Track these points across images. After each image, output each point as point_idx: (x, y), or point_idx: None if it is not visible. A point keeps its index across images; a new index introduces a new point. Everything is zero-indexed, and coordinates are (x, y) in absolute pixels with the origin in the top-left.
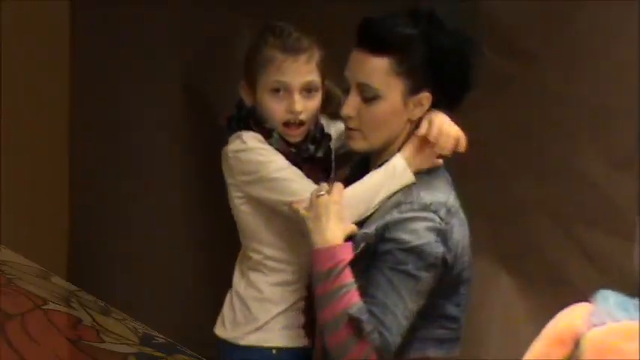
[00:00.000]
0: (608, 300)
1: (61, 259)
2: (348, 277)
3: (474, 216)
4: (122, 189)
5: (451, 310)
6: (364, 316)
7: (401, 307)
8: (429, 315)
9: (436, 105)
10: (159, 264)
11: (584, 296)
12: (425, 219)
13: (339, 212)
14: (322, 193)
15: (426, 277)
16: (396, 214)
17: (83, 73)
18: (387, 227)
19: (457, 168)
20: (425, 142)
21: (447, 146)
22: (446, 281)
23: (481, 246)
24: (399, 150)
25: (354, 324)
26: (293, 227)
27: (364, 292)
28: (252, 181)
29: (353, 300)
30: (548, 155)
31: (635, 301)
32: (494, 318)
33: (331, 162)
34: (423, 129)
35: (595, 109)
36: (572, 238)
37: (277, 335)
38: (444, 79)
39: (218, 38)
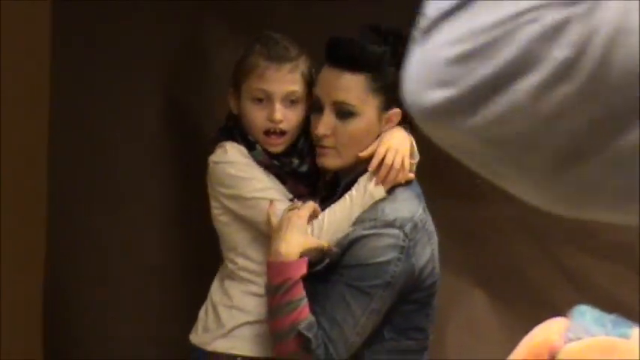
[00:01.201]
0: (585, 315)
1: (38, 274)
2: (298, 294)
3: (450, 234)
4: (99, 202)
5: (420, 321)
6: (312, 333)
7: (350, 322)
8: (399, 327)
9: (400, 122)
10: (135, 278)
11: (560, 313)
12: (388, 235)
13: (302, 226)
14: (293, 207)
15: (382, 295)
16: (359, 231)
17: (61, 85)
18: (350, 244)
19: (433, 185)
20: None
21: (395, 179)
22: (417, 294)
23: (456, 264)
24: (368, 164)
25: (302, 339)
26: (265, 241)
27: (319, 304)
28: (231, 195)
29: (302, 316)
30: None
31: (612, 316)
32: (468, 336)
33: (317, 178)
34: (372, 166)
35: None
36: (548, 255)
37: (243, 343)
38: None
39: (198, 49)
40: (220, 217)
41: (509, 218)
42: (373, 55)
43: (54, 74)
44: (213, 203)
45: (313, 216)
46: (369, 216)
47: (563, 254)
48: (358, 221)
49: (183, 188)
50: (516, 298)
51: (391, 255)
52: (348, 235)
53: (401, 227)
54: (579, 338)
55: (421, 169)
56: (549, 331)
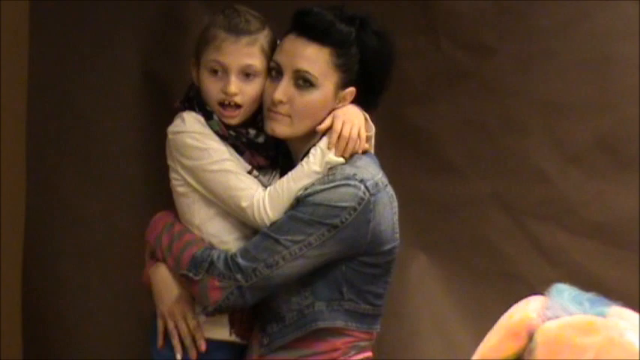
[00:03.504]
0: (563, 294)
1: (16, 257)
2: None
3: (425, 209)
4: (79, 182)
5: (380, 287)
6: (194, 269)
7: (281, 244)
8: (359, 289)
9: (356, 101)
10: (113, 250)
11: (535, 289)
12: (347, 186)
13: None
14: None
15: (324, 234)
16: (317, 186)
17: (39, 63)
18: (307, 196)
19: (410, 160)
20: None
21: (353, 150)
22: (378, 258)
23: (431, 239)
24: (320, 138)
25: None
26: (224, 216)
27: None
28: (189, 167)
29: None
30: (502, 149)
31: (589, 295)
32: (440, 308)
33: (276, 149)
34: (332, 141)
35: (549, 105)
36: (524, 232)
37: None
38: (369, 79)
39: (176, 21)
40: (179, 189)
41: (486, 195)
42: (341, 32)
43: (32, 46)
44: (172, 175)
45: None
46: (326, 174)
47: (539, 231)
48: (316, 180)
49: (160, 160)
50: (491, 274)
51: (348, 203)
52: (306, 189)
53: (362, 181)
54: (557, 317)
55: (399, 145)
56: (527, 309)
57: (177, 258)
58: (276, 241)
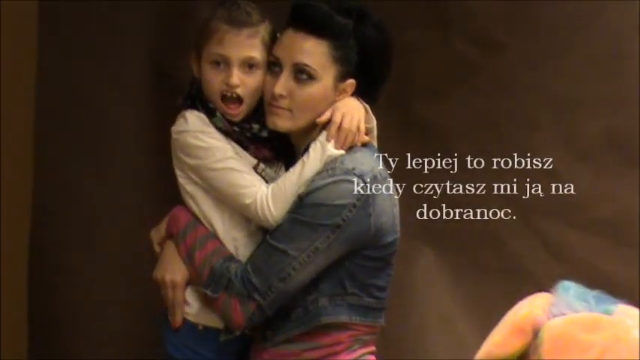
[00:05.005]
0: (569, 291)
1: (23, 250)
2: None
3: (434, 203)
4: (87, 174)
5: (383, 280)
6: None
7: (289, 256)
8: (362, 282)
9: (357, 94)
10: (119, 241)
11: (542, 286)
12: (347, 181)
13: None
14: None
15: (329, 236)
16: (317, 182)
17: (48, 55)
18: (307, 194)
19: (419, 155)
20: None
21: (352, 142)
22: (380, 251)
23: (437, 233)
24: (320, 132)
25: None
26: (232, 213)
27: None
28: (194, 166)
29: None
30: (511, 144)
31: (595, 292)
32: (447, 303)
33: (281, 143)
34: (331, 134)
35: (559, 101)
36: (531, 228)
37: (205, 312)
38: (368, 71)
39: (188, 16)
40: (187, 187)
41: (493, 190)
42: (339, 24)
43: (41, 38)
44: (179, 173)
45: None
46: (326, 167)
47: (546, 227)
48: (316, 173)
49: (169, 153)
50: (498, 270)
51: (348, 200)
52: (308, 186)
53: (360, 176)
54: (563, 314)
55: (408, 140)
56: (533, 306)
57: (198, 271)
58: (284, 252)
